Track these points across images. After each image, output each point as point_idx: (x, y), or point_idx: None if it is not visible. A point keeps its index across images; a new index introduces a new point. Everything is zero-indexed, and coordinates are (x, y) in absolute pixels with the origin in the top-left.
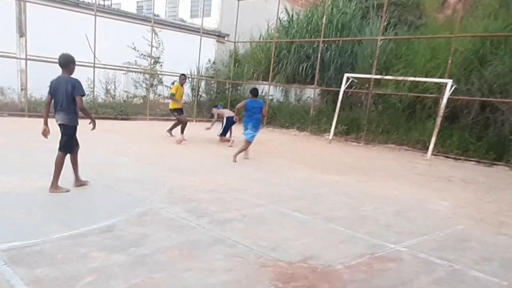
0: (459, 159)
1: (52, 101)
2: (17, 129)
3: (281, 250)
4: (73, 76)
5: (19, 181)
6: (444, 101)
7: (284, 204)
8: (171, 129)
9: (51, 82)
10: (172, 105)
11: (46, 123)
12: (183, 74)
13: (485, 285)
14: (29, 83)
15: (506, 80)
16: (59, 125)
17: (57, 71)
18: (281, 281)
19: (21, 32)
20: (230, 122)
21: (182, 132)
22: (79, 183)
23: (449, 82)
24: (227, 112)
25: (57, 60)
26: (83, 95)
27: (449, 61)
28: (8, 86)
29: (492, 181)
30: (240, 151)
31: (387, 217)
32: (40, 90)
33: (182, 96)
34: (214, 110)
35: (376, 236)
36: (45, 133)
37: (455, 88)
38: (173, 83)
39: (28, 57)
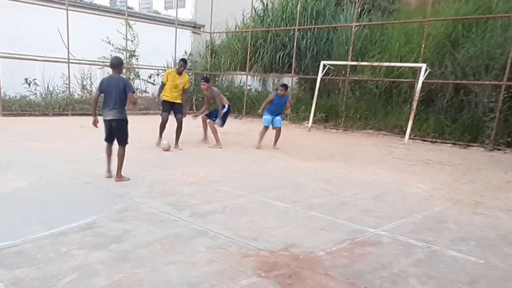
0: (436, 142)
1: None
2: None
3: (263, 239)
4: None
5: None
6: (419, 85)
7: (265, 193)
8: (176, 139)
9: (102, 81)
10: (162, 95)
11: (95, 115)
12: (182, 59)
13: (463, 264)
14: (2, 82)
15: (478, 62)
16: (110, 120)
17: (32, 67)
18: (263, 270)
19: None
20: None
21: (160, 134)
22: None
23: (423, 66)
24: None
25: (32, 57)
26: (134, 91)
27: (423, 45)
28: None
29: (467, 162)
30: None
31: (366, 202)
32: (14, 89)
33: (179, 88)
34: (216, 92)
35: (356, 221)
36: (96, 123)
37: (429, 72)
38: (150, 77)
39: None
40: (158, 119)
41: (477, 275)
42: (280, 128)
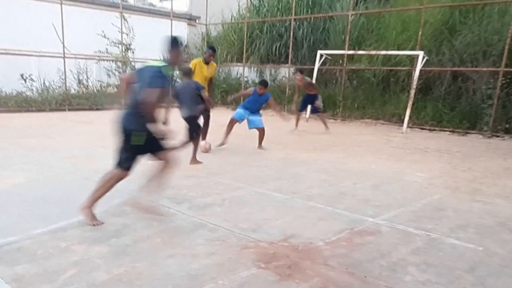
0: (434, 130)
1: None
2: None
3: (262, 231)
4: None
5: None
6: (416, 73)
7: (263, 185)
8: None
9: (176, 88)
10: None
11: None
12: (211, 47)
13: (462, 252)
14: None
15: (476, 49)
16: (186, 118)
17: (28, 63)
18: (263, 262)
19: None
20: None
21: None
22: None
23: (421, 54)
24: None
25: (28, 53)
26: (204, 88)
27: (420, 33)
28: None
29: (466, 150)
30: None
31: (365, 191)
32: (10, 85)
33: (207, 79)
34: (308, 80)
35: (355, 211)
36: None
37: (426, 59)
38: None
39: None
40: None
41: (476, 262)
42: (263, 129)
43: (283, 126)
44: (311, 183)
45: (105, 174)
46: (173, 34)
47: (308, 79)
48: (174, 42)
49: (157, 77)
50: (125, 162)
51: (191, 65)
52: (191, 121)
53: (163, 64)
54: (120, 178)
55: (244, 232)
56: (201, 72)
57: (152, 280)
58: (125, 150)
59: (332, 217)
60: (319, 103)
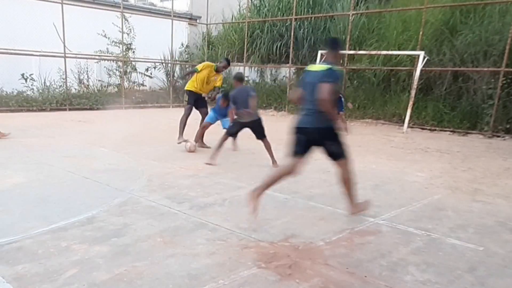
0: (435, 130)
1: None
2: None
3: (263, 230)
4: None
5: None
6: (417, 73)
7: None
8: (199, 137)
9: (231, 93)
10: (190, 84)
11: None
12: (227, 60)
13: (462, 252)
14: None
15: (477, 49)
16: (251, 121)
17: (28, 63)
18: (263, 261)
19: None
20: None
21: (181, 131)
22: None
23: (421, 54)
24: None
25: (28, 52)
26: (255, 94)
27: (421, 33)
28: None
29: (466, 150)
30: None
31: (365, 191)
32: (11, 84)
33: (210, 84)
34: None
35: None
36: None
37: (427, 59)
38: (147, 69)
39: None
40: (154, 112)
41: (476, 262)
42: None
43: (286, 126)
44: (312, 183)
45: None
46: (333, 36)
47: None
48: (335, 44)
49: (327, 75)
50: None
51: (202, 65)
52: (255, 124)
53: (328, 66)
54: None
55: (244, 232)
56: (208, 75)
57: (153, 280)
58: (336, 144)
59: (333, 217)
60: (350, 105)
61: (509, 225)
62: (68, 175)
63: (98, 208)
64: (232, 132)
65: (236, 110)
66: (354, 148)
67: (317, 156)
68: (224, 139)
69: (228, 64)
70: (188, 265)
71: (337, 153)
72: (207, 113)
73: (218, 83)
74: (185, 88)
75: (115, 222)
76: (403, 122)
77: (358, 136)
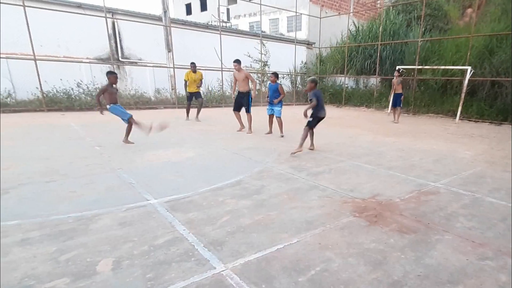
0: (478, 121)
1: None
2: (170, 117)
3: (357, 191)
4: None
5: (173, 153)
6: (465, 82)
7: (358, 159)
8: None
9: (317, 93)
10: (188, 89)
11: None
12: (192, 63)
13: (496, 207)
14: (177, 84)
15: (507, 65)
16: (322, 117)
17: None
18: (357, 212)
19: (169, 48)
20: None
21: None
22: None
23: (469, 68)
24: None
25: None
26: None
27: (468, 54)
28: (162, 87)
29: (501, 135)
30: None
31: (428, 164)
32: (183, 89)
33: (194, 82)
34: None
35: (421, 177)
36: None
37: (473, 72)
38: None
39: (175, 66)
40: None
41: (507, 214)
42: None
43: (372, 118)
44: (391, 158)
45: None
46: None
47: (401, 78)
48: None
49: None
50: None
51: (185, 76)
52: (319, 119)
53: None
54: None
55: (344, 191)
56: (192, 78)
57: (281, 224)
58: None
59: (405, 182)
60: (403, 99)
61: None
62: (223, 152)
63: (244, 174)
64: (313, 125)
65: (318, 108)
66: (420, 134)
67: (395, 139)
68: (307, 130)
69: (192, 65)
70: (305, 214)
71: None
72: (202, 102)
73: (199, 77)
74: (187, 91)
75: (256, 184)
76: (456, 116)
77: (423, 126)
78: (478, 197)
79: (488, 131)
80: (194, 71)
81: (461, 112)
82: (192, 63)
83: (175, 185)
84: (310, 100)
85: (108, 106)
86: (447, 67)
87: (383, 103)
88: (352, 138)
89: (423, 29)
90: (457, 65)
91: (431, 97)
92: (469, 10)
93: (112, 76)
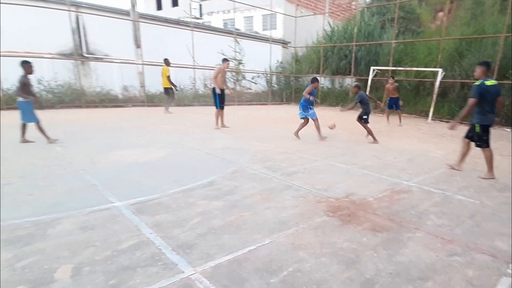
0: (449, 121)
1: None
2: (138, 116)
3: (331, 190)
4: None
5: (141, 153)
6: (437, 83)
7: (333, 158)
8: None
9: (361, 95)
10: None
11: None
12: (165, 59)
13: (465, 204)
14: (146, 81)
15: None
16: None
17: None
18: (331, 211)
19: (137, 44)
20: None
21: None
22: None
23: (440, 70)
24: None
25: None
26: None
27: (439, 56)
28: (130, 85)
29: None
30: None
31: (402, 163)
32: (154, 86)
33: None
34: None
35: (394, 176)
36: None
37: (444, 74)
38: (252, 78)
39: (143, 62)
40: (257, 108)
41: (475, 211)
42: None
43: (348, 119)
44: (365, 157)
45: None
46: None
47: (396, 84)
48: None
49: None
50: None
51: (162, 72)
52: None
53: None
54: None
55: (319, 191)
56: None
57: (254, 225)
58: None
59: (379, 181)
60: (401, 103)
61: (497, 186)
62: (195, 152)
63: (216, 174)
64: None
65: (365, 107)
66: (394, 134)
67: (369, 139)
68: (365, 125)
69: (165, 61)
70: (279, 214)
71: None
72: (173, 97)
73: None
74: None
75: (228, 185)
76: (428, 116)
77: (397, 126)
78: (448, 195)
79: (458, 132)
80: (168, 64)
81: (433, 113)
82: (165, 59)
83: (142, 187)
84: (356, 102)
85: (20, 99)
86: (419, 69)
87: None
88: (327, 138)
89: (397, 31)
90: (429, 67)
91: (404, 97)
92: (440, 14)
93: (27, 65)
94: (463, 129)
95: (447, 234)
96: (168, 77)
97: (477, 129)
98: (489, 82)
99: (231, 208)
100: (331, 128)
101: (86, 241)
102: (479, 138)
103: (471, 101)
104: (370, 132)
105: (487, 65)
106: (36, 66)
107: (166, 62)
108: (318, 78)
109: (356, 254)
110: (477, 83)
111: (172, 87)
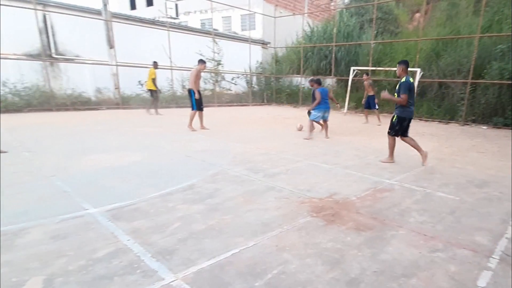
0: (428, 120)
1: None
2: (112, 118)
3: (314, 190)
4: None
5: (116, 157)
6: (416, 83)
7: (315, 159)
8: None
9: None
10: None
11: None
12: (154, 62)
13: (445, 201)
14: (120, 83)
15: (453, 67)
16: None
17: (141, 72)
18: (315, 212)
19: (110, 45)
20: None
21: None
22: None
23: (418, 70)
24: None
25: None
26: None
27: (417, 56)
28: (104, 87)
29: (448, 133)
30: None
31: (383, 162)
32: (130, 88)
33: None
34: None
35: (377, 175)
36: None
37: (422, 74)
38: (232, 79)
39: (118, 63)
40: (238, 109)
41: (455, 207)
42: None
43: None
44: (347, 157)
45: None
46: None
47: (370, 80)
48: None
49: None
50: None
51: (149, 75)
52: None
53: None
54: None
55: (302, 192)
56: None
57: (236, 228)
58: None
59: (361, 180)
60: (377, 101)
61: (474, 183)
62: (174, 154)
63: (196, 177)
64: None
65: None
66: (375, 133)
67: (351, 139)
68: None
69: (153, 64)
70: (261, 216)
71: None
72: (158, 97)
73: (153, 76)
74: (149, 88)
75: (209, 188)
76: None
77: (378, 125)
78: (429, 192)
79: (437, 130)
80: (156, 67)
81: None
82: (154, 62)
83: (118, 192)
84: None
85: None
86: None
87: (340, 103)
88: (310, 139)
89: (375, 31)
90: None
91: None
92: (417, 15)
93: None
94: (441, 127)
95: (429, 231)
96: (154, 79)
97: (395, 119)
98: (411, 79)
99: (213, 212)
100: (299, 129)
101: (58, 251)
102: (392, 126)
103: (404, 97)
104: (310, 128)
105: (406, 63)
106: (1, 67)
107: (155, 64)
108: (300, 78)
109: (340, 253)
110: (403, 80)
111: (156, 89)
